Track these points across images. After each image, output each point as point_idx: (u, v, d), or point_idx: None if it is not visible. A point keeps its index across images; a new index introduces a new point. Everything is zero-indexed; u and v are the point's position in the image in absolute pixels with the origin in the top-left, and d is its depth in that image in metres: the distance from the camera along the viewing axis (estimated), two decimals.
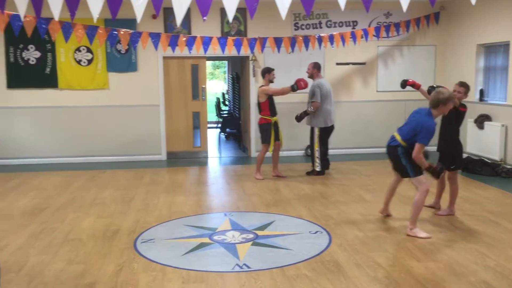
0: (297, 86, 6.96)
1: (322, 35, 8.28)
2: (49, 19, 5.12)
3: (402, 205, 5.61)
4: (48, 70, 8.51)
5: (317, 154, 7.31)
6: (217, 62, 25.72)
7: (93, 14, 2.66)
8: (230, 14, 2.43)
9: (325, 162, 7.51)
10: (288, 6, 2.40)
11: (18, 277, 3.79)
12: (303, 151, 9.24)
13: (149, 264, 4.05)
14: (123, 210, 5.66)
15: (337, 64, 9.19)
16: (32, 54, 8.45)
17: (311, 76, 7.35)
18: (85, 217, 5.39)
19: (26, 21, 4.75)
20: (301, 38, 7.69)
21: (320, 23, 8.96)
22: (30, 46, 8.40)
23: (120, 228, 5.01)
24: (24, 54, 8.44)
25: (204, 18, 2.47)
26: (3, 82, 8.45)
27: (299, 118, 7.32)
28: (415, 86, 5.95)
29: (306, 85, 6.99)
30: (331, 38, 8.23)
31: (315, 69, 7.30)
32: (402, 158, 4.71)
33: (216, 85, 26.21)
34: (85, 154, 8.80)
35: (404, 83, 6.09)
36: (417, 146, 4.50)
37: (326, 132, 7.33)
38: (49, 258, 4.19)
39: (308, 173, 7.44)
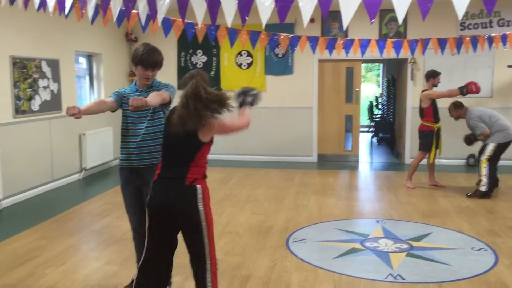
0: (467, 90, 6.43)
1: (493, 35, 7.56)
2: (218, 26, 5.49)
3: None
4: (212, 73, 9.20)
5: (484, 171, 6.23)
6: (369, 65, 25.17)
7: (262, 20, 2.78)
8: (400, 16, 2.35)
9: (494, 180, 6.39)
10: (467, 5, 2.23)
11: (184, 262, 4.11)
12: (464, 160, 8.55)
13: (301, 263, 4.12)
14: (275, 208, 5.85)
15: (509, 66, 8.31)
16: (199, 59, 9.22)
17: (457, 118, 6.65)
18: (241, 212, 5.70)
19: (198, 28, 5.16)
20: (468, 38, 7.12)
21: (490, 22, 8.21)
22: (198, 51, 9.17)
23: (273, 225, 5.19)
24: (193, 59, 9.24)
25: (372, 20, 2.42)
26: (175, 85, 9.32)
27: (469, 142, 6.61)
28: None
29: (478, 90, 6.37)
30: (504, 38, 7.45)
31: (458, 109, 6.54)
32: None
33: (368, 88, 25.65)
34: (241, 153, 9.30)
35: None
36: None
37: (502, 148, 6.30)
38: None
39: (470, 195, 6.35)
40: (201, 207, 2.78)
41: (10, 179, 6.03)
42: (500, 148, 6.29)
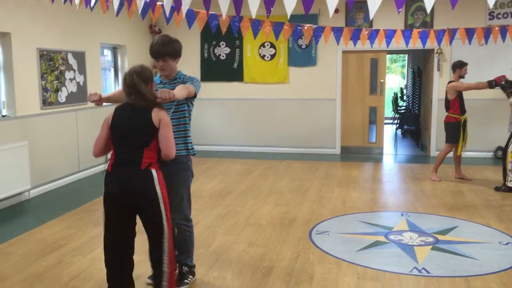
0: (497, 82, 6.28)
1: None
2: (241, 17, 5.47)
3: None
4: (235, 64, 9.20)
5: (510, 166, 6.07)
6: (394, 56, 24.79)
7: (287, 11, 2.76)
8: (429, 5, 2.30)
9: None
10: None
11: (207, 253, 4.18)
12: (492, 153, 8.38)
13: (324, 255, 4.11)
14: (298, 200, 5.84)
15: None
16: (223, 50, 9.22)
17: None
18: (264, 204, 5.70)
19: (222, 20, 5.16)
20: (497, 28, 6.93)
21: None
22: (221, 43, 9.18)
23: (296, 217, 5.18)
24: (216, 50, 9.25)
25: (399, 10, 2.38)
26: (198, 76, 9.38)
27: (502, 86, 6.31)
28: None
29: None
30: None
31: None
32: None
33: (392, 80, 25.30)
34: (264, 144, 9.30)
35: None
36: None
37: None
38: (233, 238, 4.54)
39: (497, 189, 6.23)
40: (158, 190, 2.86)
41: (37, 170, 6.16)
42: None
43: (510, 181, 6.11)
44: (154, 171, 2.88)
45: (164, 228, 2.90)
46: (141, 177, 2.85)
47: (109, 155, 3.07)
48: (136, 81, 2.89)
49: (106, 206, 2.95)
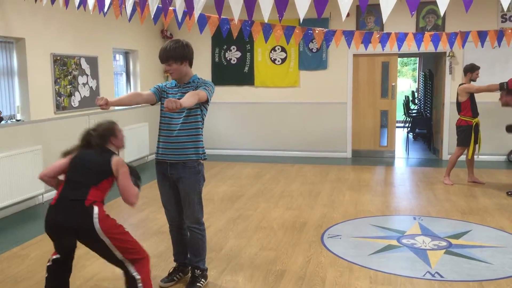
0: (508, 85, 6.24)
1: None
2: (252, 22, 5.50)
3: None
4: (246, 68, 9.22)
5: None
6: (405, 59, 24.67)
7: (299, 15, 2.77)
8: (442, 8, 2.29)
9: None
10: None
11: (219, 256, 4.19)
12: (505, 156, 8.30)
13: (336, 259, 4.10)
14: (310, 204, 5.83)
15: None
16: (233, 54, 9.26)
17: (505, 104, 6.37)
18: (275, 208, 5.70)
19: (233, 24, 5.19)
20: (510, 31, 6.88)
21: None
22: (232, 47, 9.22)
23: (307, 221, 5.17)
24: (227, 55, 9.29)
25: (413, 13, 2.37)
26: (209, 80, 9.40)
27: (511, 130, 6.39)
28: None
29: None
30: None
31: (510, 95, 6.28)
32: None
33: (403, 83, 25.17)
34: (275, 148, 9.30)
35: None
36: None
37: None
38: (245, 242, 4.54)
39: (510, 194, 6.16)
40: (97, 225, 2.84)
41: None
42: None
43: None
44: (96, 207, 2.88)
45: (117, 255, 2.91)
46: (82, 213, 2.85)
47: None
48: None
49: (49, 236, 3.01)
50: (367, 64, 8.89)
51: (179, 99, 3.05)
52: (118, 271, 3.75)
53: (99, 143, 3.05)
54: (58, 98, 6.42)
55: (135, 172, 3.13)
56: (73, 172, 3.00)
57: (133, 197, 2.99)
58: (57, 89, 6.38)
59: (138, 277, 2.94)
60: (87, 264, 4.04)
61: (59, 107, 6.43)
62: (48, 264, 3.11)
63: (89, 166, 2.97)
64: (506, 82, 6.31)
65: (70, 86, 6.64)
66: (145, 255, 3.02)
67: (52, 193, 6.24)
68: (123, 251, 2.92)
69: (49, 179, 3.09)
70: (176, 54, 3.36)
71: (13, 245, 4.52)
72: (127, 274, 2.96)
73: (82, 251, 4.31)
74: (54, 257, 3.10)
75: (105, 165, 2.95)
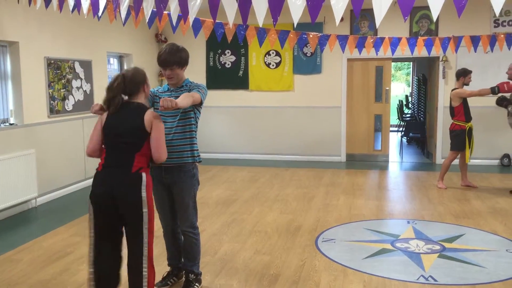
0: (499, 89, 6.31)
1: None
2: (247, 26, 5.51)
3: None
4: (241, 73, 9.24)
5: None
6: (398, 64, 24.80)
7: (294, 19, 2.78)
8: (435, 13, 2.31)
9: None
10: (504, 1, 2.18)
11: (214, 260, 4.18)
12: (498, 160, 8.35)
13: (330, 263, 4.10)
14: (304, 208, 5.84)
15: None
16: (228, 59, 9.27)
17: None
18: (269, 212, 5.70)
19: (227, 28, 5.19)
20: (502, 36, 6.94)
21: None
22: (227, 51, 9.23)
23: (302, 225, 5.18)
24: (221, 59, 9.30)
25: (406, 18, 2.39)
26: (204, 84, 9.40)
27: (500, 103, 6.54)
28: None
29: (510, 89, 6.29)
30: None
31: None
32: None
33: (397, 87, 25.29)
34: (269, 152, 9.30)
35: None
36: None
37: None
38: (239, 246, 4.54)
39: None
40: (144, 194, 2.86)
41: (44, 178, 6.19)
42: None
43: None
44: (144, 175, 2.89)
45: (144, 232, 2.90)
46: (130, 180, 2.86)
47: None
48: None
49: (92, 204, 2.95)
50: (361, 68, 8.93)
51: None
52: None
53: (134, 91, 2.99)
54: (52, 101, 6.40)
55: None
56: (111, 137, 2.94)
57: (164, 153, 2.95)
58: (50, 93, 6.36)
59: (145, 274, 2.91)
60: (80, 269, 4.02)
61: (52, 110, 6.41)
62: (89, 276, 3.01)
63: (128, 129, 2.90)
64: (497, 86, 6.37)
65: (64, 90, 6.63)
66: (153, 254, 3.01)
67: (45, 197, 6.23)
68: (150, 232, 2.90)
69: (97, 152, 3.01)
70: (180, 59, 3.39)
71: (6, 249, 4.50)
72: (137, 266, 2.90)
73: (74, 256, 4.30)
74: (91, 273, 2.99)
75: (141, 123, 2.89)
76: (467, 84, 6.60)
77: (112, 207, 2.91)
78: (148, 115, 2.94)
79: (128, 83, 2.97)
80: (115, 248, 3.04)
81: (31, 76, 6.04)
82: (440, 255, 4.24)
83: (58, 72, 6.50)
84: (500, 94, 6.60)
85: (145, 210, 2.88)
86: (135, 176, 2.87)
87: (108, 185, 2.88)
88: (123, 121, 2.93)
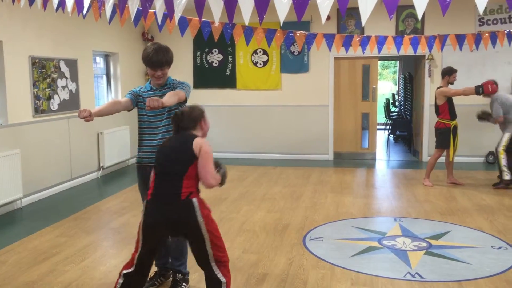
0: (483, 89, 6.40)
1: None
2: (234, 25, 5.49)
3: None
4: (228, 71, 9.22)
5: (503, 162, 6.48)
6: (386, 62, 24.96)
7: (280, 18, 2.78)
8: (420, 12, 2.32)
9: None
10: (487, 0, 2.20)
11: None
12: (484, 158, 8.44)
13: (318, 261, 4.11)
14: (292, 207, 5.85)
15: None
16: (215, 57, 9.25)
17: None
18: (257, 210, 5.70)
19: (214, 27, 5.17)
20: (487, 34, 7.02)
21: (510, 17, 8.08)
22: (214, 50, 9.21)
23: (289, 223, 5.18)
24: (208, 57, 9.28)
25: (391, 16, 2.40)
26: (191, 83, 9.37)
27: (480, 118, 6.84)
28: None
29: (494, 90, 6.41)
30: None
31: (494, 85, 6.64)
32: None
33: (384, 86, 25.46)
34: (257, 151, 9.30)
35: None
36: None
37: None
38: (227, 245, 4.46)
39: (495, 186, 6.64)
40: (200, 218, 2.81)
41: (30, 178, 6.12)
42: None
43: (506, 174, 6.47)
44: (195, 200, 2.83)
45: (209, 252, 2.85)
46: (182, 207, 2.81)
47: None
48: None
49: (145, 231, 2.88)
50: (348, 67, 8.96)
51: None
52: (98, 276, 3.72)
53: (190, 126, 2.95)
54: (37, 101, 6.32)
55: (222, 166, 3.10)
56: (161, 164, 2.90)
57: (213, 179, 2.88)
58: (35, 92, 6.29)
59: (223, 280, 2.86)
60: (66, 270, 3.98)
61: (37, 110, 6.34)
62: (119, 281, 2.93)
63: (175, 155, 2.86)
64: (482, 86, 6.45)
65: (49, 89, 6.55)
66: (228, 259, 2.96)
67: (31, 198, 6.16)
68: (214, 248, 2.85)
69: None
70: (171, 60, 3.42)
71: None
72: (211, 276, 2.86)
73: (60, 256, 4.26)
74: (126, 271, 2.93)
75: (189, 148, 2.83)
76: (451, 83, 6.67)
77: (167, 231, 2.89)
78: (198, 140, 2.88)
79: (185, 121, 2.95)
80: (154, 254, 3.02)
81: (16, 76, 5.97)
82: (426, 252, 4.27)
83: (43, 71, 6.42)
84: (480, 111, 6.83)
85: (204, 232, 2.81)
86: (185, 202, 2.80)
87: (161, 213, 2.83)
88: (175, 145, 2.91)
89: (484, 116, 6.81)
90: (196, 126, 2.99)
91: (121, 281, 2.93)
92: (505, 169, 6.46)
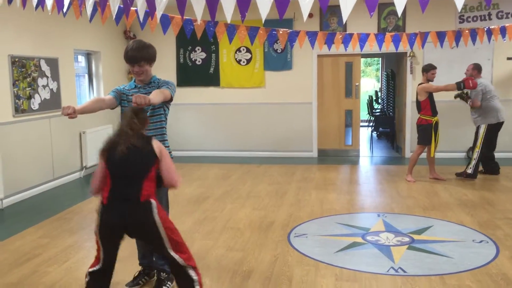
0: (464, 85, 6.51)
1: (492, 27, 7.55)
2: (216, 22, 5.48)
3: None
4: (211, 69, 9.20)
5: (475, 155, 6.79)
6: (368, 60, 25.15)
7: (261, 15, 2.78)
8: (399, 9, 2.35)
9: (493, 166, 7.05)
10: None
11: None
12: (465, 153, 8.57)
13: (302, 258, 4.14)
14: (276, 204, 5.86)
15: (508, 58, 8.32)
16: (198, 55, 9.21)
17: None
18: (242, 208, 5.70)
19: (197, 25, 5.15)
20: (467, 31, 7.11)
21: (489, 14, 8.20)
22: (197, 48, 9.17)
23: (274, 220, 5.20)
24: (192, 55, 9.24)
25: (372, 14, 2.42)
26: (174, 81, 9.33)
27: (458, 96, 7.08)
28: None
29: (474, 86, 6.53)
30: (503, 30, 7.43)
31: (475, 70, 6.90)
32: None
33: (367, 83, 25.65)
34: (241, 149, 9.30)
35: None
36: None
37: (494, 129, 6.84)
38: (211, 243, 4.53)
39: (458, 174, 7.00)
40: (157, 219, 2.79)
41: (11, 178, 6.04)
42: (492, 131, 6.80)
43: (470, 168, 6.79)
44: (153, 202, 2.81)
45: (167, 247, 2.85)
46: (142, 209, 2.78)
47: None
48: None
49: (101, 233, 2.85)
50: (331, 64, 9.01)
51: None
52: (82, 277, 3.68)
53: (141, 128, 2.90)
54: (17, 100, 6.23)
55: None
56: (118, 168, 2.81)
57: (179, 177, 2.90)
58: (15, 92, 6.20)
59: (195, 278, 2.87)
60: (49, 271, 3.94)
61: (18, 110, 6.25)
62: (86, 279, 2.94)
63: (135, 157, 2.79)
64: (463, 82, 6.55)
65: (30, 88, 6.46)
66: (195, 264, 2.95)
67: (12, 199, 6.07)
68: (173, 244, 2.84)
69: (101, 190, 2.89)
70: (148, 55, 3.37)
71: None
72: (183, 275, 2.86)
73: (43, 257, 4.21)
74: (92, 269, 2.92)
75: (150, 150, 2.82)
76: (431, 80, 6.75)
77: (122, 233, 2.86)
78: (156, 142, 2.88)
79: (137, 124, 2.90)
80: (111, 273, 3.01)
81: None
82: (409, 247, 4.33)
83: (23, 70, 6.33)
84: (460, 92, 6.92)
85: (161, 231, 2.80)
86: (145, 204, 2.78)
87: (117, 216, 2.78)
88: (134, 149, 2.81)
89: (463, 96, 6.99)
90: (143, 127, 2.97)
91: (87, 279, 2.94)
92: (473, 162, 6.77)
